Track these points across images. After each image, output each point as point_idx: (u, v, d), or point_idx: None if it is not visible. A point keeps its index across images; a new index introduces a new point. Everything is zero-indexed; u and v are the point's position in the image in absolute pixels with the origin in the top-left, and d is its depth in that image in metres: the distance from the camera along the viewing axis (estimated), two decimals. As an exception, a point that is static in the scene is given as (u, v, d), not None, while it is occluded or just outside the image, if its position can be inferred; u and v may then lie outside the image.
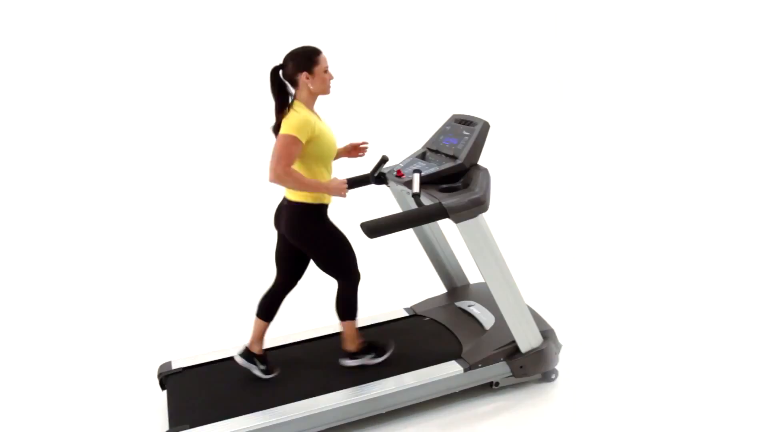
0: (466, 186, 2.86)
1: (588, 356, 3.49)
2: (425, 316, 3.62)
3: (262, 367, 3.08)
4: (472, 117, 3.08)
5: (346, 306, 3.00)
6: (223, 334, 3.93)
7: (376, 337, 3.27)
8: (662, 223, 5.63)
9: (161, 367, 3.20)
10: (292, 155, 2.59)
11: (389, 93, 6.99)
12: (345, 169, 4.08)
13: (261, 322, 3.09)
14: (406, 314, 3.66)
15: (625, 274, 4.61)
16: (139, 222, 6.01)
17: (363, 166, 4.26)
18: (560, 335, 3.65)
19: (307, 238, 2.81)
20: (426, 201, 2.83)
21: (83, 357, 3.73)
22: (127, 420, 3.10)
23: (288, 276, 3.05)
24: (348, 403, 2.83)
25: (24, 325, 4.17)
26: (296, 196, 2.77)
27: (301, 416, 2.76)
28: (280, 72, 2.74)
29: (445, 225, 4.82)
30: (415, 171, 2.83)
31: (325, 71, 2.73)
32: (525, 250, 5.21)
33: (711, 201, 6.07)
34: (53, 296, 4.59)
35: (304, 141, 2.62)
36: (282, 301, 3.10)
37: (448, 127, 3.20)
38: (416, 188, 2.77)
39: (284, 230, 2.84)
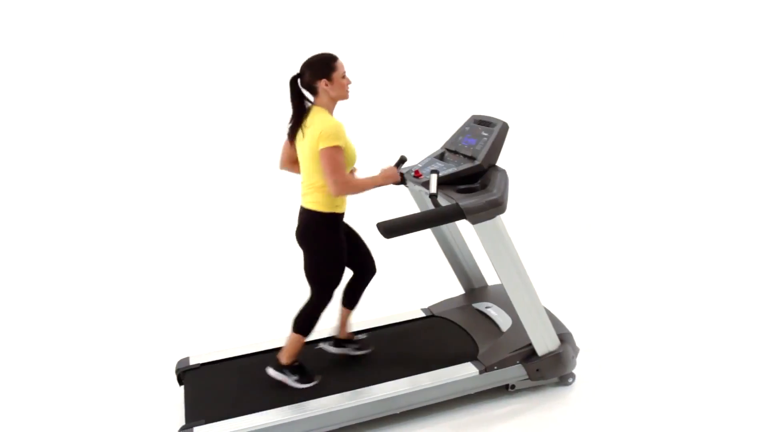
0: (484, 187, 2.84)
1: (607, 361, 3.44)
2: (442, 317, 3.61)
3: (356, 347, 3.25)
4: (491, 118, 3.06)
5: (306, 320, 2.94)
6: (242, 332, 3.96)
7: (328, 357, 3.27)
8: (686, 227, 5.54)
9: (179, 362, 3.23)
10: (343, 164, 2.63)
11: (409, 93, 6.97)
12: (364, 169, 4.08)
13: (344, 309, 3.20)
14: (423, 315, 3.66)
15: (647, 278, 4.54)
16: (163, 221, 6.07)
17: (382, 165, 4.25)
18: (579, 339, 3.61)
19: (308, 240, 2.82)
20: (444, 202, 2.82)
21: (106, 353, 3.80)
22: (144, 415, 3.15)
23: (359, 267, 3.10)
24: (362, 403, 2.84)
25: (49, 322, 4.26)
26: (311, 205, 2.78)
27: (315, 414, 2.77)
28: (299, 81, 2.76)
29: (463, 226, 4.81)
30: (433, 171, 2.82)
31: (343, 77, 2.74)
32: (545, 252, 5.16)
33: (738, 204, 5.96)
34: (80, 294, 4.68)
35: (344, 147, 2.65)
36: (363, 290, 3.16)
37: (467, 128, 3.19)
38: (433, 189, 2.76)
39: (297, 232, 2.86)
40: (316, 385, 2.98)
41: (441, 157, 3.20)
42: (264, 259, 5.13)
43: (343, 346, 3.26)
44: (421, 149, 4.22)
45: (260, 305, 4.29)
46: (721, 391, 3.13)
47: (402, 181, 3.21)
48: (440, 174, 2.89)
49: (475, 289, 3.78)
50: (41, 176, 6.31)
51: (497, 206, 2.71)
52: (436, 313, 3.65)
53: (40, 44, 6.29)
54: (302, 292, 3.07)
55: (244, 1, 6.63)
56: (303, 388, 2.96)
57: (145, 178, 6.53)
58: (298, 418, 2.75)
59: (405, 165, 3.25)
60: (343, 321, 3.24)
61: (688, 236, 5.33)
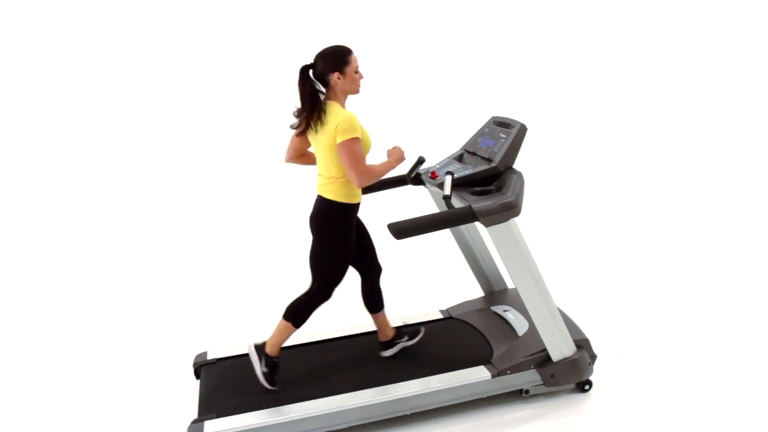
0: (499, 189, 2.81)
1: (626, 370, 3.36)
2: (459, 319, 3.59)
3: (407, 338, 3.29)
4: (511, 119, 3.02)
5: (300, 311, 2.93)
6: (262, 328, 4.00)
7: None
8: (713, 235, 5.36)
9: (197, 357, 3.30)
10: (362, 154, 2.66)
11: (432, 93, 6.92)
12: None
13: (374, 315, 3.20)
14: (440, 316, 3.64)
15: (672, 285, 4.42)
16: (190, 221, 6.19)
17: (401, 167, 4.25)
18: (598, 346, 3.54)
19: (319, 226, 2.81)
20: (458, 204, 2.80)
21: (133, 348, 3.90)
22: (161, 407, 3.23)
23: (364, 266, 3.10)
24: (373, 403, 2.84)
25: (83, 315, 4.40)
26: (329, 194, 2.78)
27: (325, 413, 2.79)
28: (310, 71, 2.75)
29: (483, 228, 4.77)
30: (448, 173, 2.81)
31: (356, 71, 2.74)
32: (566, 255, 5.07)
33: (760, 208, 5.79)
34: (114, 289, 4.83)
35: (361, 138, 2.67)
36: (379, 289, 3.17)
37: (486, 129, 3.16)
38: (447, 190, 2.74)
39: (311, 217, 2.86)
40: (329, 383, 2.99)
41: (460, 158, 3.18)
42: (288, 260, 5.17)
43: (394, 345, 3.25)
44: (443, 150, 4.20)
45: (282, 303, 4.34)
46: (745, 407, 3.03)
47: (419, 181, 3.21)
48: (455, 176, 2.87)
49: (494, 292, 3.74)
50: (63, 175, 6.48)
51: (511, 209, 2.67)
52: (453, 314, 3.63)
53: (39, 45, 6.42)
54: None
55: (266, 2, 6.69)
56: (262, 383, 2.95)
57: (165, 176, 6.63)
58: (307, 416, 2.77)
59: (423, 166, 3.24)
60: (380, 323, 3.22)
61: (715, 244, 5.17)
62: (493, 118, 3.18)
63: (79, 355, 3.80)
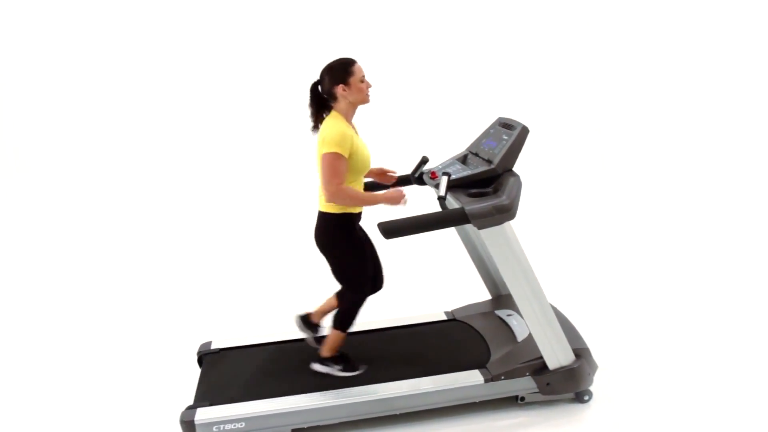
0: (496, 192, 2.77)
1: (629, 382, 3.25)
2: (463, 322, 3.56)
3: (341, 368, 3.15)
4: (514, 121, 2.97)
5: (344, 318, 2.98)
6: (269, 321, 4.09)
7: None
8: (720, 243, 5.15)
9: (201, 346, 3.38)
10: (342, 172, 2.63)
11: (444, 94, 6.87)
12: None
13: (335, 299, 3.14)
14: (444, 318, 3.61)
15: (682, 298, 4.23)
16: (207, 217, 6.36)
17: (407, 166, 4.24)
18: (602, 356, 3.46)
19: (327, 246, 2.84)
20: (456, 205, 2.78)
21: (142, 336, 4.03)
22: (162, 393, 3.33)
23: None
24: (361, 401, 2.84)
25: (97, 308, 4.58)
26: (326, 207, 2.80)
27: (313, 407, 2.81)
28: (319, 87, 2.78)
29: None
30: (444, 174, 2.78)
31: (362, 80, 2.72)
32: (577, 264, 4.92)
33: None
34: (139, 283, 5.01)
35: (347, 155, 2.63)
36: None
37: (491, 130, 3.12)
38: (442, 191, 2.72)
39: (315, 237, 2.89)
40: (325, 378, 3.02)
41: (464, 159, 3.15)
42: (300, 256, 5.23)
43: (328, 365, 3.10)
44: (452, 151, 4.17)
45: (290, 297, 4.40)
46: (750, 425, 2.89)
47: (422, 181, 3.19)
48: (452, 177, 2.85)
49: (501, 296, 3.68)
50: (71, 172, 6.77)
51: (505, 212, 2.62)
52: (457, 317, 3.59)
53: (38, 46, 6.67)
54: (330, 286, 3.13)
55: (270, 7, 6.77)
56: (348, 376, 3.04)
57: (175, 172, 6.84)
58: (296, 410, 2.80)
59: (427, 166, 3.23)
60: (323, 308, 3.18)
61: (722, 253, 4.97)
62: (499, 119, 3.13)
63: (90, 345, 3.94)
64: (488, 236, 2.68)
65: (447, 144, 5.21)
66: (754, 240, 5.24)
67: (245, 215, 6.28)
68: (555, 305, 4.09)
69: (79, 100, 6.84)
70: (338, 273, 2.93)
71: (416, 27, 6.82)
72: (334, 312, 3.04)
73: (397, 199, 2.71)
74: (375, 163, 5.21)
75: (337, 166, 2.61)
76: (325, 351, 3.08)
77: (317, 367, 3.10)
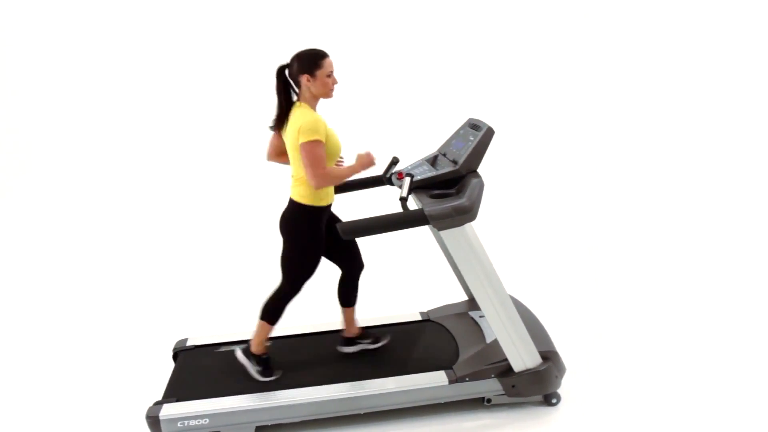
0: (459, 193, 2.76)
1: (600, 386, 3.21)
2: (436, 322, 3.55)
3: (370, 341, 3.27)
4: (481, 121, 2.96)
5: (273, 309, 3.00)
6: (249, 320, 4.13)
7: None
8: (695, 248, 5.07)
9: (177, 342, 3.43)
10: (323, 157, 2.67)
11: (420, 94, 6.83)
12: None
13: (343, 308, 3.22)
14: (419, 318, 3.61)
15: (658, 301, 4.17)
16: (191, 217, 6.38)
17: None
18: (575, 359, 3.43)
19: (288, 231, 2.86)
20: (418, 206, 2.78)
21: (121, 333, 4.08)
22: (136, 389, 3.39)
23: (345, 262, 3.13)
24: (325, 399, 2.86)
25: (91, 304, 4.67)
26: (297, 197, 2.84)
27: (278, 405, 2.83)
28: (287, 71, 2.81)
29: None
30: (407, 175, 2.79)
31: (329, 76, 2.74)
32: (555, 268, 4.85)
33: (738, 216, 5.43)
34: (123, 281, 5.09)
35: (324, 141, 2.68)
36: (356, 286, 3.19)
37: (461, 131, 3.11)
38: (404, 192, 2.72)
39: (280, 223, 2.91)
40: (295, 377, 3.05)
41: (434, 159, 3.15)
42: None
43: (356, 343, 3.27)
44: (429, 151, 4.16)
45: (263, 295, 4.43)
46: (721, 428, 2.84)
47: (390, 182, 3.20)
48: (416, 178, 2.85)
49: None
50: (46, 169, 6.84)
51: (464, 213, 2.61)
52: (432, 317, 3.59)
53: (36, 45, 6.76)
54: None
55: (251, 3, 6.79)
56: (262, 381, 3.04)
57: (160, 177, 6.85)
58: (260, 407, 2.83)
59: (397, 167, 3.23)
60: (347, 319, 3.25)
61: (698, 255, 4.91)
62: (469, 120, 3.12)
63: (71, 339, 3.99)
64: (448, 237, 2.68)
65: (429, 144, 5.20)
66: (727, 239, 5.19)
67: (229, 216, 6.30)
68: (530, 307, 4.08)
69: (68, 98, 6.95)
70: (286, 260, 2.93)
71: (398, 26, 6.81)
72: (266, 300, 3.03)
73: (370, 163, 2.83)
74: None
75: (319, 153, 2.65)
76: (253, 346, 3.08)
77: (239, 356, 3.09)
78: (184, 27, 6.77)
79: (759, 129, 6.48)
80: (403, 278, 4.69)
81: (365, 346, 3.25)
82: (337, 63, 6.19)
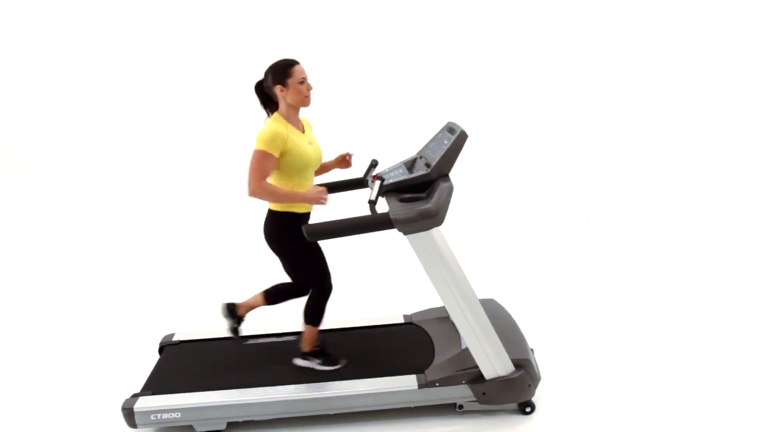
0: (429, 197, 2.75)
1: (575, 396, 3.15)
2: (418, 325, 3.54)
3: (320, 361, 3.19)
4: (457, 125, 2.94)
5: (312, 312, 3.06)
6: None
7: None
8: (675, 248, 4.95)
9: (164, 338, 3.52)
10: (265, 169, 2.68)
11: (408, 97, 6.76)
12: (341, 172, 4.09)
13: (260, 297, 3.17)
14: (401, 321, 3.61)
15: (642, 311, 4.05)
16: (191, 217, 6.40)
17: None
18: (553, 368, 3.38)
19: (276, 244, 2.91)
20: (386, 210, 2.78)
21: (113, 327, 4.19)
22: (119, 382, 3.48)
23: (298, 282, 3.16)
24: (295, 398, 2.88)
25: (81, 301, 4.81)
26: (272, 204, 2.89)
27: (247, 402, 2.87)
28: (264, 86, 2.87)
29: (450, 237, 4.54)
30: (378, 178, 2.79)
31: (301, 82, 2.76)
32: (544, 276, 4.76)
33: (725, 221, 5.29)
34: (115, 277, 5.23)
35: (276, 154, 2.69)
36: (290, 299, 3.18)
37: (439, 135, 3.09)
38: (373, 195, 2.72)
39: (264, 236, 2.96)
40: (272, 374, 3.09)
41: (412, 163, 3.14)
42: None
43: (308, 359, 3.19)
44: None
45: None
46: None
47: (366, 184, 3.21)
48: (386, 182, 2.85)
49: (462, 301, 3.64)
50: (45, 168, 6.96)
51: (430, 218, 2.60)
52: (414, 320, 3.58)
53: (34, 45, 6.87)
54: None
55: (239, 6, 6.78)
56: (329, 370, 3.11)
57: (151, 179, 6.87)
58: (231, 403, 2.87)
59: (377, 169, 3.24)
60: (250, 302, 3.19)
61: (677, 263, 4.78)
62: (448, 123, 3.10)
63: (59, 332, 4.11)
64: (414, 242, 2.67)
65: (416, 146, 5.19)
66: (710, 244, 5.07)
67: (222, 214, 6.33)
68: (513, 312, 4.03)
69: (67, 98, 7.06)
70: (292, 271, 3.01)
71: (391, 27, 6.74)
72: (304, 307, 3.07)
73: (316, 199, 2.74)
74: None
75: (262, 163, 2.67)
76: (304, 346, 3.17)
77: (299, 362, 3.18)
78: (184, 27, 6.84)
79: (758, 129, 6.21)
80: (394, 281, 4.69)
81: (314, 365, 3.16)
82: (334, 65, 6.25)
